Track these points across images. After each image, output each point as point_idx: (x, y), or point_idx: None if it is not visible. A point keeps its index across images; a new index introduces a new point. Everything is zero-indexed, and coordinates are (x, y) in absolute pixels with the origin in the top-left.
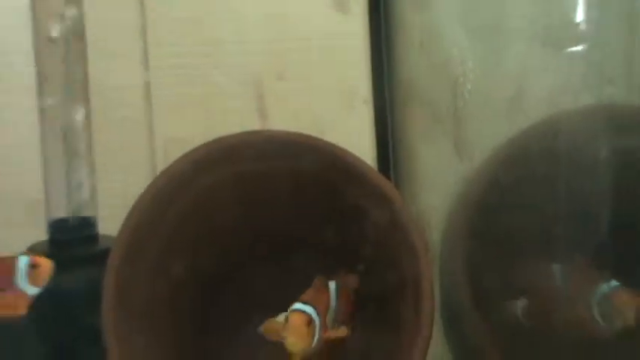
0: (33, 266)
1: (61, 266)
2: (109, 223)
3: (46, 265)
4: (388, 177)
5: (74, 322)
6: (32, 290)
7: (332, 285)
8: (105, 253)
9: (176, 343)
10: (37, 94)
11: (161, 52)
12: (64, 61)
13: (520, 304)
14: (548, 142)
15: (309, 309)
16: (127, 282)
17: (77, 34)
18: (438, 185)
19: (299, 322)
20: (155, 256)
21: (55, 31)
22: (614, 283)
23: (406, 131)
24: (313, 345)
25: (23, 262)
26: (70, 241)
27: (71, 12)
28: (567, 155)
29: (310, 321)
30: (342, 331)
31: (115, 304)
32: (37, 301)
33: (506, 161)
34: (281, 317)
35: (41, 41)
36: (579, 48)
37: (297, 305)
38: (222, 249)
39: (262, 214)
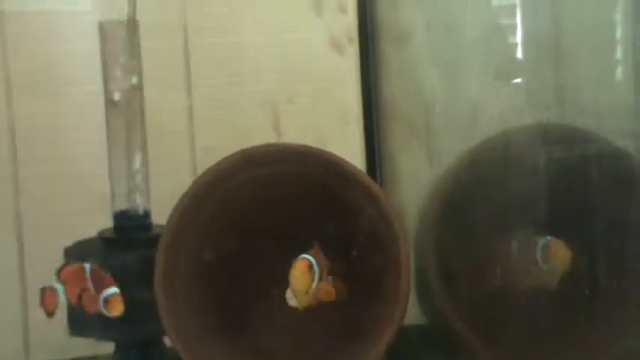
0: (107, 301)
1: (123, 247)
2: (160, 215)
3: (118, 306)
4: (375, 179)
5: (133, 290)
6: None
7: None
8: (156, 238)
9: (211, 307)
10: (105, 118)
11: (200, 82)
12: (126, 95)
13: (479, 277)
14: (499, 152)
15: (310, 258)
16: (172, 261)
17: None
18: (413, 185)
19: (303, 265)
20: (193, 240)
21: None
22: (548, 237)
23: (389, 143)
24: (313, 287)
25: (105, 293)
26: (130, 227)
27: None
28: (514, 161)
29: (311, 266)
30: (331, 295)
31: (164, 279)
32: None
33: (466, 166)
34: None
35: (110, 74)
36: (522, 80)
37: (302, 255)
38: (245, 235)
39: (276, 208)
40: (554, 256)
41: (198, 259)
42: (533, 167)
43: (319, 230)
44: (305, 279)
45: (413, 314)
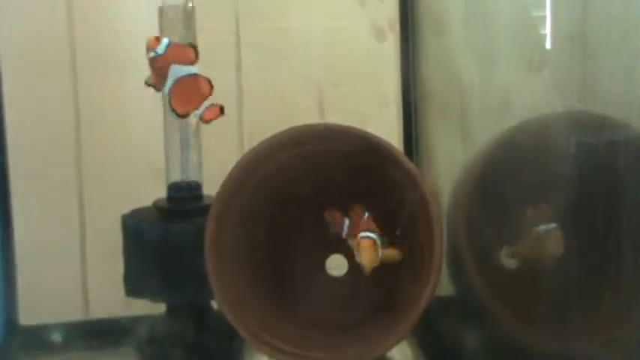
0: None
1: (176, 216)
2: (210, 186)
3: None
4: (411, 159)
5: (185, 254)
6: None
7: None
8: (207, 208)
9: (257, 272)
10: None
11: (250, 64)
12: None
13: (503, 251)
14: (529, 136)
15: (372, 235)
16: (221, 230)
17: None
18: (448, 166)
19: (368, 244)
20: (241, 210)
21: None
22: (552, 224)
23: (425, 126)
24: (378, 259)
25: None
26: (182, 198)
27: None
28: (543, 145)
29: (375, 242)
30: (394, 257)
31: (213, 245)
32: (160, 238)
33: (498, 148)
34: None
35: None
36: (553, 69)
37: (366, 234)
38: (290, 207)
39: (319, 183)
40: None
41: (245, 228)
42: (561, 151)
43: (359, 204)
44: (373, 256)
45: (444, 286)
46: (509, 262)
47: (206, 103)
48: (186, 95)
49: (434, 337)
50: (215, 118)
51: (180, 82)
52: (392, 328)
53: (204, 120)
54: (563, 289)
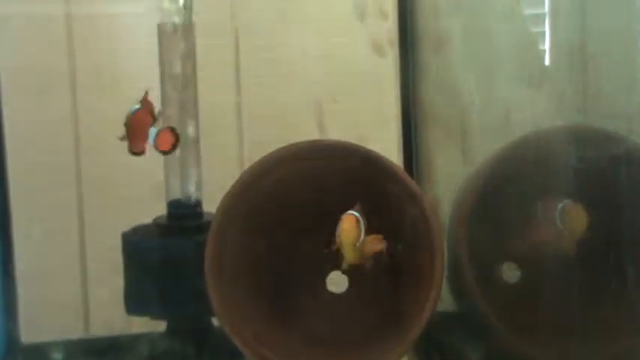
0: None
1: (176, 233)
2: (210, 204)
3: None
4: (411, 175)
5: (186, 271)
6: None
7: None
8: (207, 225)
9: (258, 289)
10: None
11: (249, 81)
12: (181, 87)
13: (504, 266)
14: (528, 151)
15: (356, 213)
16: (221, 246)
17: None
18: (448, 183)
19: (351, 219)
20: (241, 227)
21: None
22: (566, 200)
23: (425, 142)
24: (360, 240)
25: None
26: (183, 215)
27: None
28: (541, 160)
29: (358, 220)
30: (377, 245)
31: (213, 262)
32: (160, 255)
33: (497, 164)
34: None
35: (167, 72)
36: (553, 84)
37: (349, 211)
38: (290, 222)
39: (319, 198)
40: (570, 217)
41: (245, 245)
42: (559, 165)
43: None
44: (354, 232)
45: (445, 301)
46: (510, 276)
47: (154, 130)
48: (140, 131)
49: (435, 352)
50: (173, 145)
51: (133, 120)
52: (393, 344)
53: (161, 151)
54: (564, 303)
